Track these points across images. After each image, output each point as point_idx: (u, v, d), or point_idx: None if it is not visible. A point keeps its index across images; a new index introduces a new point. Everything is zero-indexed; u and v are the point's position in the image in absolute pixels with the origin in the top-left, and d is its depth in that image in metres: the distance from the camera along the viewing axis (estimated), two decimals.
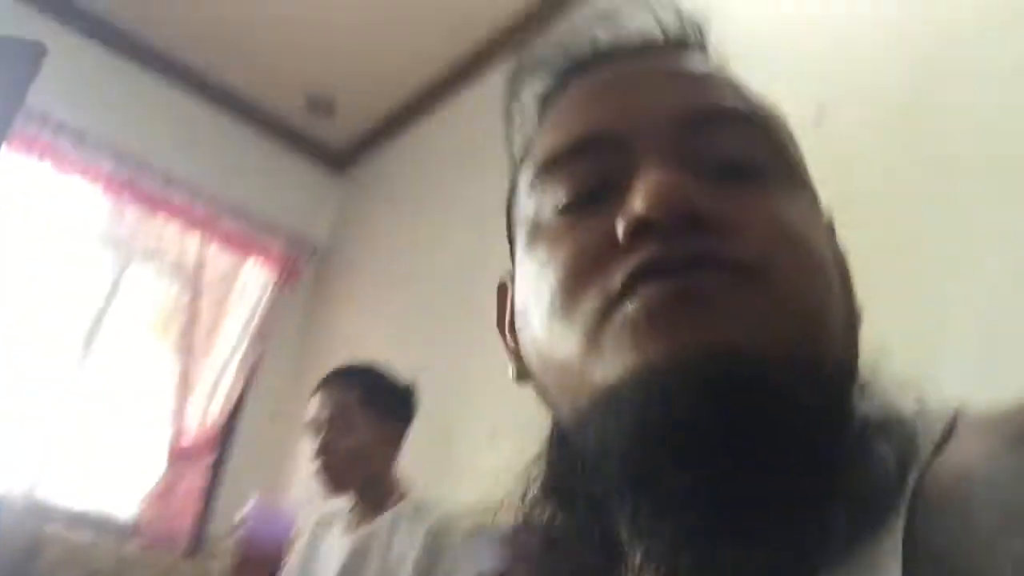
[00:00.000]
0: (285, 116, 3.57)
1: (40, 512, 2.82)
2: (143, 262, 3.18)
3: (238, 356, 3.22)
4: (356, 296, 3.33)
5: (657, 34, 0.52)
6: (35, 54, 2.30)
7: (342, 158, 3.76)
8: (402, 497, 1.58)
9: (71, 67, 2.99)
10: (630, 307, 0.39)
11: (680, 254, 0.40)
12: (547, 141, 0.49)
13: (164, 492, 3.03)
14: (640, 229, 0.40)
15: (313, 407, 1.60)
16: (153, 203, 3.17)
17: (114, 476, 3.06)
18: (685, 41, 0.53)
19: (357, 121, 3.52)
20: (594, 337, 0.40)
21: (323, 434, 1.56)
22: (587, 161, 0.46)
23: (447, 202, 2.93)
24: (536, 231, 0.47)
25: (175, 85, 3.37)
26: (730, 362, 0.37)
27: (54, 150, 2.95)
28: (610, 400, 0.39)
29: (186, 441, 3.09)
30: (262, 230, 3.42)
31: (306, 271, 3.55)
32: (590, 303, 0.41)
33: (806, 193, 0.47)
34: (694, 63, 0.51)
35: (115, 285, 3.11)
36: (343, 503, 1.64)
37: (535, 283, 0.45)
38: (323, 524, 1.68)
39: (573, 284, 0.42)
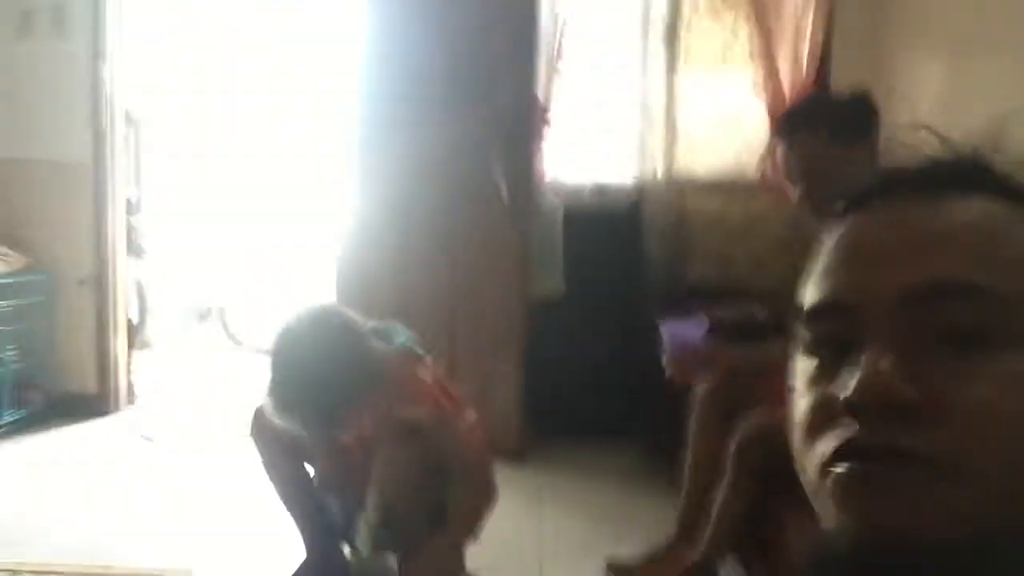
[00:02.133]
0: None
1: (678, 183, 3.31)
2: None
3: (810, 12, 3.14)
4: None
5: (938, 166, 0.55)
6: None
7: None
8: None
9: None
10: (833, 478, 0.49)
11: (876, 440, 0.48)
12: (810, 291, 0.56)
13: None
14: (851, 409, 0.49)
15: (782, 152, 1.78)
16: None
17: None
18: (965, 174, 0.54)
19: None
20: (820, 482, 0.51)
21: (803, 183, 1.74)
22: (830, 323, 0.53)
23: None
24: (800, 350, 0.56)
25: None
26: (894, 548, 0.46)
27: None
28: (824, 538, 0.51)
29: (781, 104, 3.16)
30: None
31: None
32: (818, 453, 0.51)
33: None
34: (953, 214, 0.52)
35: None
36: None
37: (795, 400, 0.55)
38: None
39: (808, 432, 0.52)
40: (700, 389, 2.13)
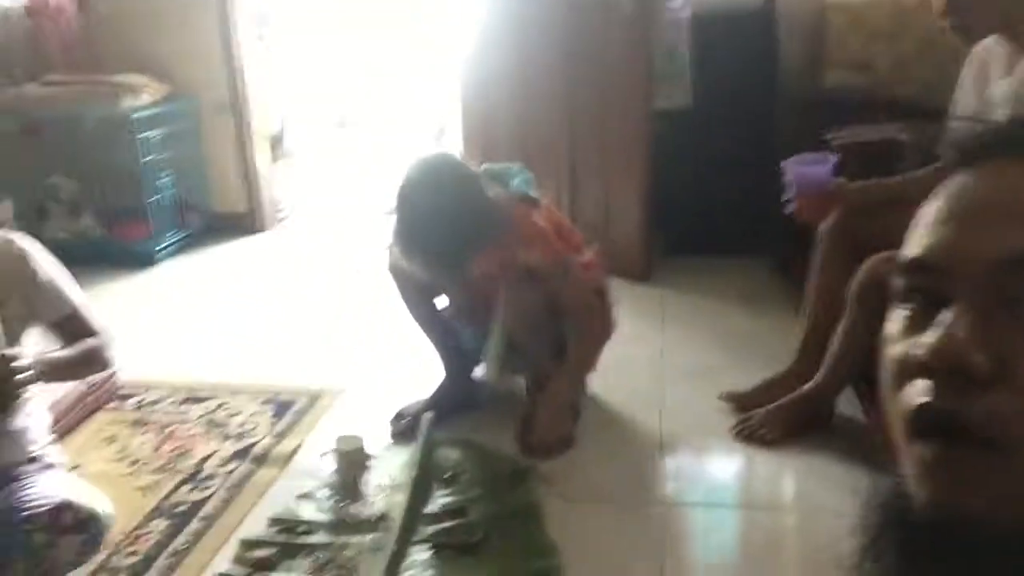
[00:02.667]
0: None
1: None
2: None
3: None
4: None
5: None
6: None
7: None
8: None
9: None
10: (915, 452, 0.51)
11: (946, 405, 0.49)
12: (911, 242, 0.56)
13: None
14: (923, 370, 0.50)
15: None
16: None
17: None
18: None
19: None
20: (903, 439, 0.52)
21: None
22: (923, 278, 0.54)
23: None
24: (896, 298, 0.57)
25: None
26: (966, 524, 0.49)
27: None
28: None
29: None
30: None
31: None
32: (901, 406, 0.52)
33: None
34: None
35: None
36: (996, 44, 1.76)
37: (888, 346, 0.56)
38: (984, 67, 1.83)
39: (894, 380, 0.54)
40: (823, 226, 2.08)
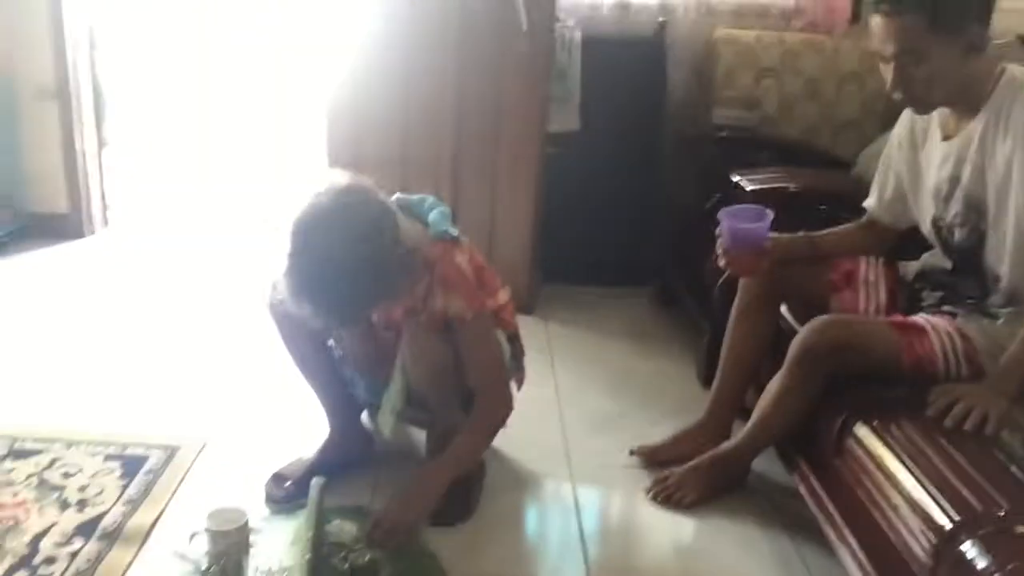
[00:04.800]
0: None
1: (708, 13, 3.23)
2: None
3: None
4: None
5: None
6: None
7: None
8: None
9: None
10: None
11: None
12: None
13: None
14: None
15: (877, 33, 1.60)
16: None
17: None
18: None
19: None
20: None
21: (894, 67, 1.59)
22: None
23: None
24: None
25: None
26: None
27: None
28: None
29: None
30: None
31: None
32: None
33: None
34: None
35: None
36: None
37: None
38: (921, 129, 1.78)
39: None
40: (746, 279, 2.01)
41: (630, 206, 3.21)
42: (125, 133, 4.11)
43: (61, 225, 3.57)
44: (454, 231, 1.81)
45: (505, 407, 1.87)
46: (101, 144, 3.72)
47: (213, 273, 3.32)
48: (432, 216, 1.81)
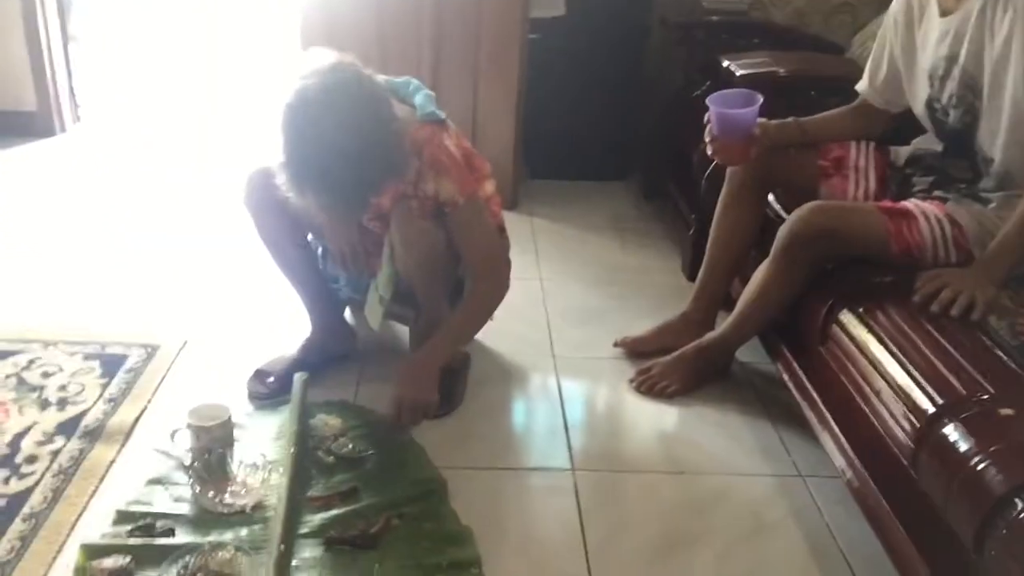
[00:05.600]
0: None
1: None
2: None
3: None
4: None
5: None
6: None
7: None
8: None
9: None
10: None
11: None
12: None
13: None
14: None
15: None
16: None
17: None
18: None
19: None
20: None
21: None
22: None
23: None
24: None
25: None
26: None
27: None
28: None
29: None
30: None
31: None
32: None
33: None
34: None
35: None
36: None
37: None
38: (919, 4, 1.70)
39: None
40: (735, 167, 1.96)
41: (615, 95, 3.12)
42: (92, 28, 3.96)
43: (29, 123, 3.45)
44: (441, 113, 1.74)
45: (502, 287, 1.84)
46: (67, 39, 3.57)
47: (191, 169, 3.24)
48: (418, 98, 1.73)
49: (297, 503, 1.53)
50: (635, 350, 2.10)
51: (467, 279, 1.83)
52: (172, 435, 1.66)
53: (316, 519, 1.51)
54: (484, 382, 1.98)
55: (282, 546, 1.41)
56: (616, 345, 2.12)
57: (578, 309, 2.34)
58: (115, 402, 1.83)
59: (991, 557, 1.05)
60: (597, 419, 1.95)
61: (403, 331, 2.09)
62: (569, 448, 1.78)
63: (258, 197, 1.80)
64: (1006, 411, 1.20)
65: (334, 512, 1.52)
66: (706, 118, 1.84)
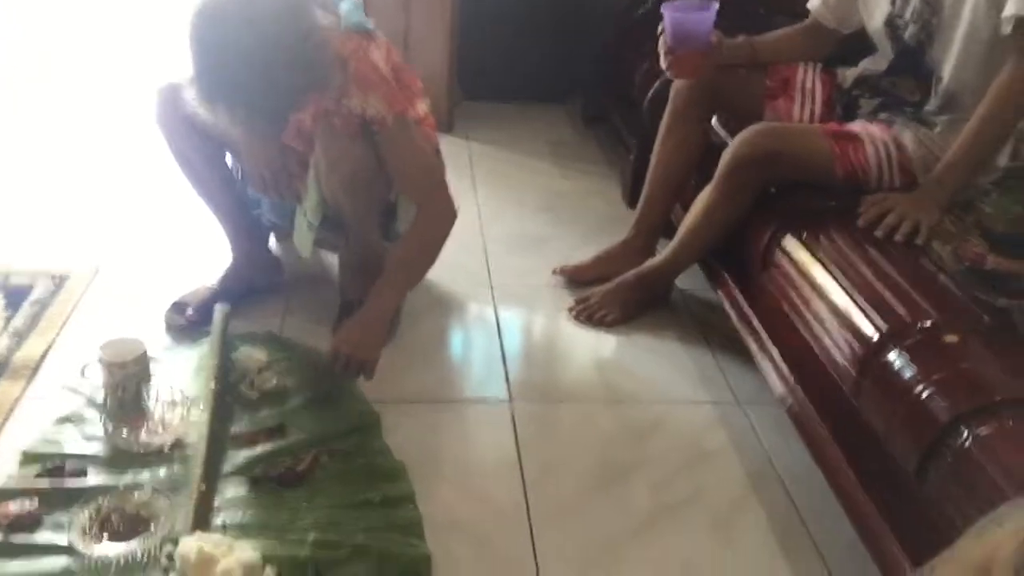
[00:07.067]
0: None
1: None
2: None
3: None
4: None
5: None
6: None
7: None
8: None
9: None
10: None
11: None
12: None
13: None
14: None
15: None
16: None
17: None
18: None
19: None
20: None
21: None
22: None
23: None
24: None
25: None
26: None
27: None
28: None
29: None
30: None
31: None
32: None
33: None
34: None
35: None
36: None
37: None
38: None
39: None
40: (681, 83, 1.88)
41: (556, 12, 3.00)
42: None
43: None
44: (369, 24, 1.61)
45: (449, 214, 1.69)
46: None
47: (103, 88, 3.03)
48: (344, 6, 1.60)
49: (219, 441, 1.45)
50: (574, 278, 2.05)
51: (403, 208, 1.73)
52: (82, 370, 1.55)
53: (240, 457, 1.43)
54: (419, 312, 1.90)
55: (203, 486, 1.33)
56: (555, 273, 2.06)
57: (516, 236, 2.27)
58: (20, 336, 1.70)
59: (934, 484, 1.04)
60: (535, 349, 1.90)
61: (333, 259, 1.99)
62: (507, 379, 1.73)
63: (167, 113, 1.66)
64: (950, 338, 1.17)
65: (259, 450, 1.45)
66: (660, 28, 1.75)
